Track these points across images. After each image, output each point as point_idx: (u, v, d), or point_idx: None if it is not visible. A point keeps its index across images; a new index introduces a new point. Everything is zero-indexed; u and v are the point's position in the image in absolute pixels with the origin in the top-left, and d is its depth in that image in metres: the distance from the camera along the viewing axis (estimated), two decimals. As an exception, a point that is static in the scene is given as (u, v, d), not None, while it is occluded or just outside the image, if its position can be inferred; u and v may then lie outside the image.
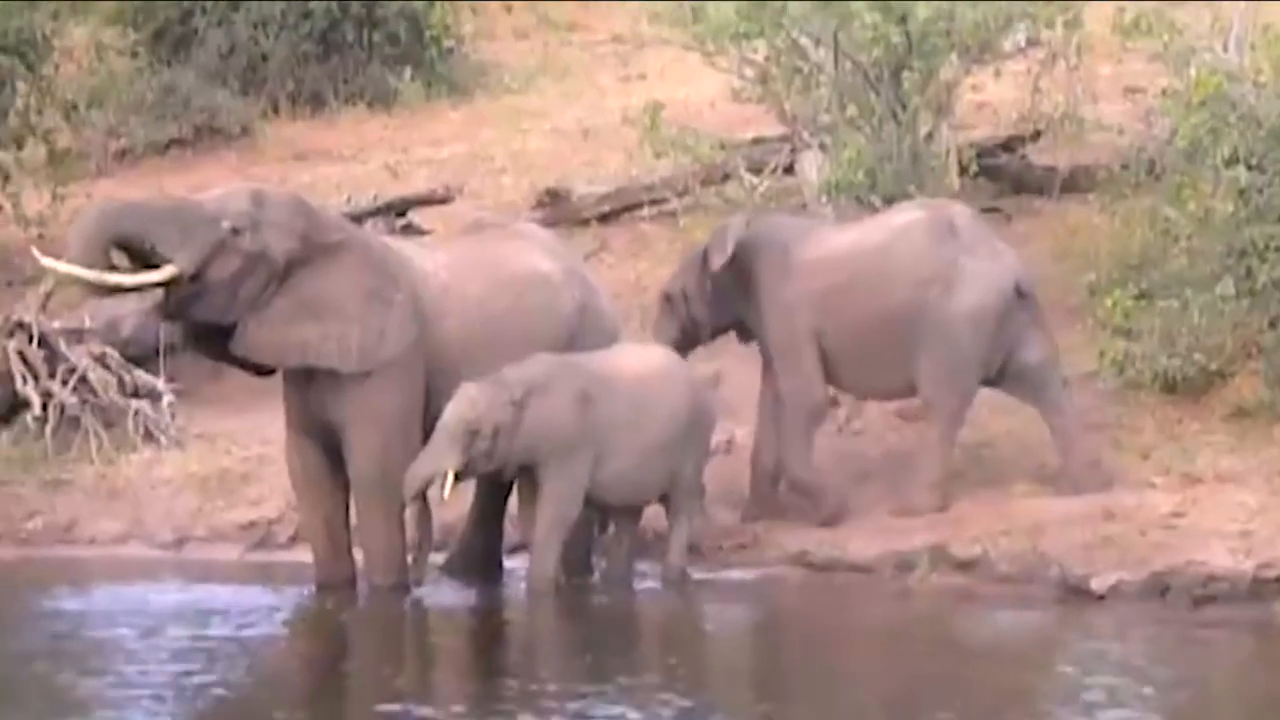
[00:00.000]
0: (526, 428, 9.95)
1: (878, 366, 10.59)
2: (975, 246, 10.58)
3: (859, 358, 10.59)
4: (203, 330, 10.17)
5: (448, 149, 14.89)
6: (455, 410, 9.92)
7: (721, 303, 10.85)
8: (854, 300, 10.53)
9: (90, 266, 9.82)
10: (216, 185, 14.26)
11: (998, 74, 12.27)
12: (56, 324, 11.84)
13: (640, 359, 10.32)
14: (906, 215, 10.79)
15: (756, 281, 10.75)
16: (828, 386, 10.80)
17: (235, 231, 9.97)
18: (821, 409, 10.79)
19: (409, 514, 10.07)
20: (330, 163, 14.77)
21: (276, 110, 15.52)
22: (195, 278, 9.92)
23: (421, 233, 12.80)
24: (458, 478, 9.93)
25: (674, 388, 10.27)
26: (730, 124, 13.65)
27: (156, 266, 9.86)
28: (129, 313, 11.99)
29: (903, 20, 11.83)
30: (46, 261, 10.05)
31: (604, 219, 13.44)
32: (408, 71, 15.73)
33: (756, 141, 13.24)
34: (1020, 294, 10.57)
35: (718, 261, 10.74)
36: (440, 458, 9.89)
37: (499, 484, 10.32)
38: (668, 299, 10.98)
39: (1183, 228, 11.19)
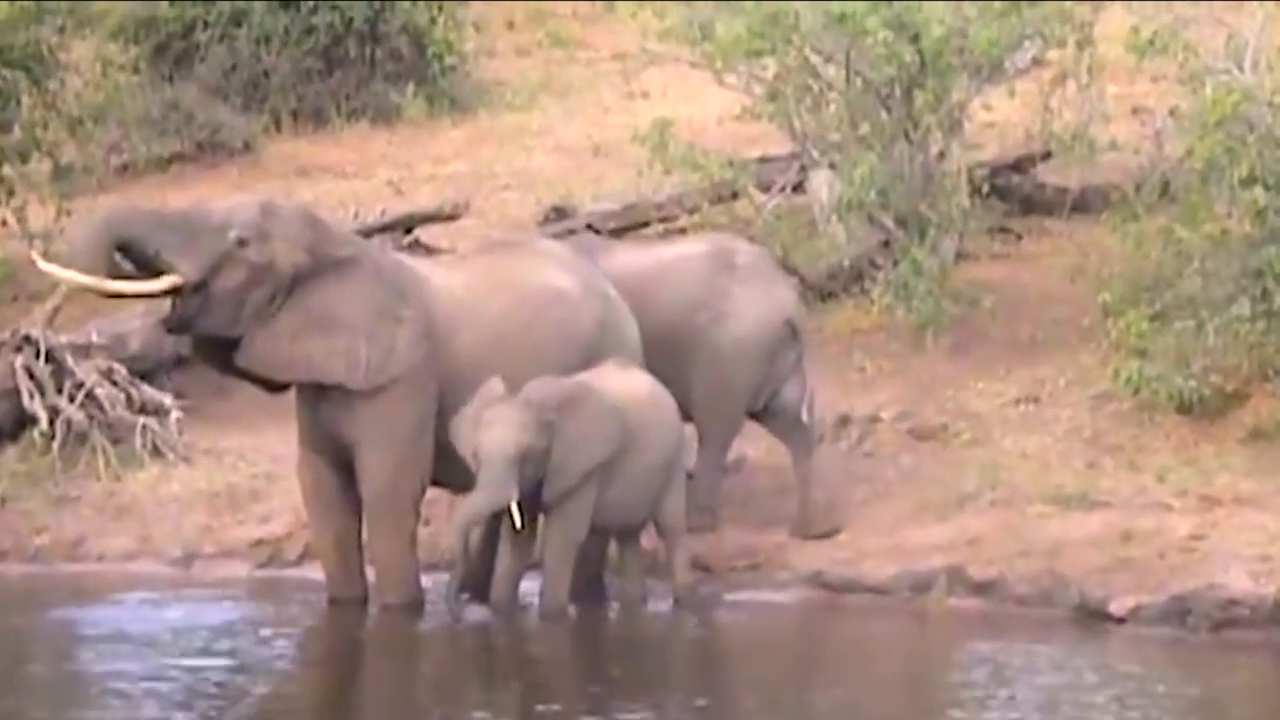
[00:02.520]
0: (561, 447, 9.84)
1: None
2: (751, 279, 10.75)
3: None
4: (209, 342, 10.09)
5: (451, 166, 14.85)
6: (508, 437, 9.76)
7: None
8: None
9: (93, 271, 9.75)
10: (218, 201, 14.44)
11: (1012, 93, 12.23)
12: (64, 339, 11.75)
13: (628, 382, 10.24)
14: (692, 244, 11.10)
15: None
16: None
17: (242, 242, 9.89)
18: None
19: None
20: (333, 179, 14.71)
21: (279, 126, 15.45)
22: (200, 288, 9.83)
23: (430, 250, 12.73)
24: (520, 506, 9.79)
25: (663, 410, 10.19)
26: (736, 142, 13.62)
27: (161, 275, 9.79)
28: (136, 328, 11.94)
29: (915, 38, 11.80)
30: (47, 267, 9.98)
31: (610, 236, 13.37)
32: (410, 88, 15.68)
33: (764, 160, 13.20)
34: (792, 331, 10.71)
35: None
36: (502, 489, 9.75)
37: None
38: None
39: (1197, 248, 11.16)
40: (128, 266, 9.92)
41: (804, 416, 10.73)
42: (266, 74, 15.51)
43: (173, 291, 9.85)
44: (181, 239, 9.82)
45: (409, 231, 13.02)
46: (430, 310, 10.12)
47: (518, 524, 9.79)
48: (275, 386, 10.28)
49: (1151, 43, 11.31)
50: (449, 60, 15.99)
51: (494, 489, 9.73)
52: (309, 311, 9.95)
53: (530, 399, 9.87)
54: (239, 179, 14.72)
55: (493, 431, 9.75)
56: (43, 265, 10.01)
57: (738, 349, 10.65)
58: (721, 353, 10.63)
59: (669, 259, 10.91)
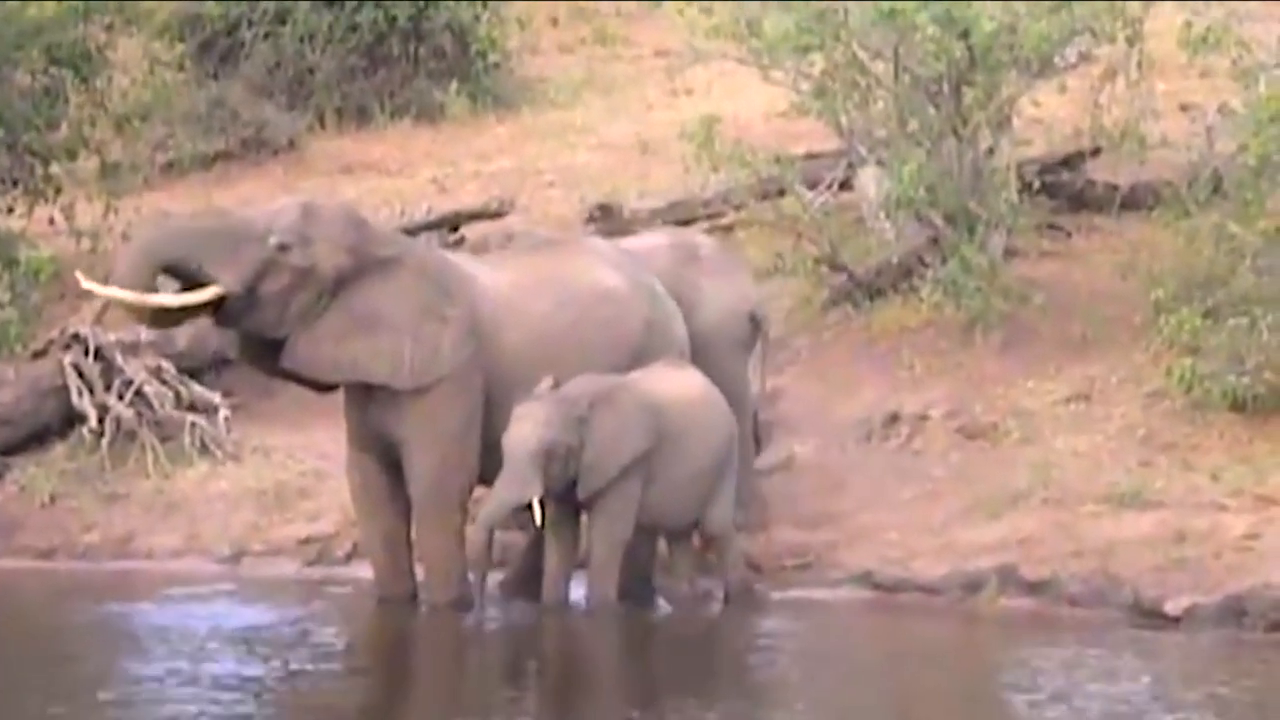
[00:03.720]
0: (594, 444, 9.81)
1: None
2: (716, 272, 10.73)
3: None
4: (255, 344, 10.08)
5: (495, 163, 14.82)
6: (531, 434, 9.75)
7: None
8: None
9: (136, 289, 9.72)
10: (263, 199, 14.44)
11: (1063, 89, 12.15)
12: (112, 337, 11.75)
13: (677, 381, 10.20)
14: (653, 237, 11.04)
15: None
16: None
17: (283, 247, 9.87)
18: None
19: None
20: (377, 176, 14.70)
21: (323, 124, 15.44)
22: (246, 293, 9.82)
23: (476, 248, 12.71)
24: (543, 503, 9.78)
25: (712, 411, 10.14)
26: (780, 139, 13.55)
27: (204, 285, 9.78)
28: (185, 326, 11.91)
29: (965, 34, 11.73)
30: (89, 285, 9.94)
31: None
32: (454, 85, 15.66)
33: (810, 156, 13.14)
34: (755, 325, 10.65)
35: None
36: (525, 486, 9.73)
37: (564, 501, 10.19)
38: None
39: (1250, 245, 11.07)
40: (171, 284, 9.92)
41: (759, 412, 10.68)
42: (311, 71, 15.51)
43: (218, 302, 9.84)
44: (223, 250, 9.79)
45: (455, 229, 13.01)
46: (476, 308, 10.09)
47: (538, 521, 9.75)
48: (322, 387, 10.26)
49: (1205, 39, 11.21)
50: (493, 58, 15.98)
51: (515, 485, 9.72)
52: (353, 312, 9.93)
53: (562, 396, 9.86)
54: (284, 177, 14.72)
55: (517, 427, 9.76)
56: (86, 284, 9.97)
57: (703, 341, 10.56)
58: (688, 345, 10.53)
59: (632, 252, 10.79)
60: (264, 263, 9.83)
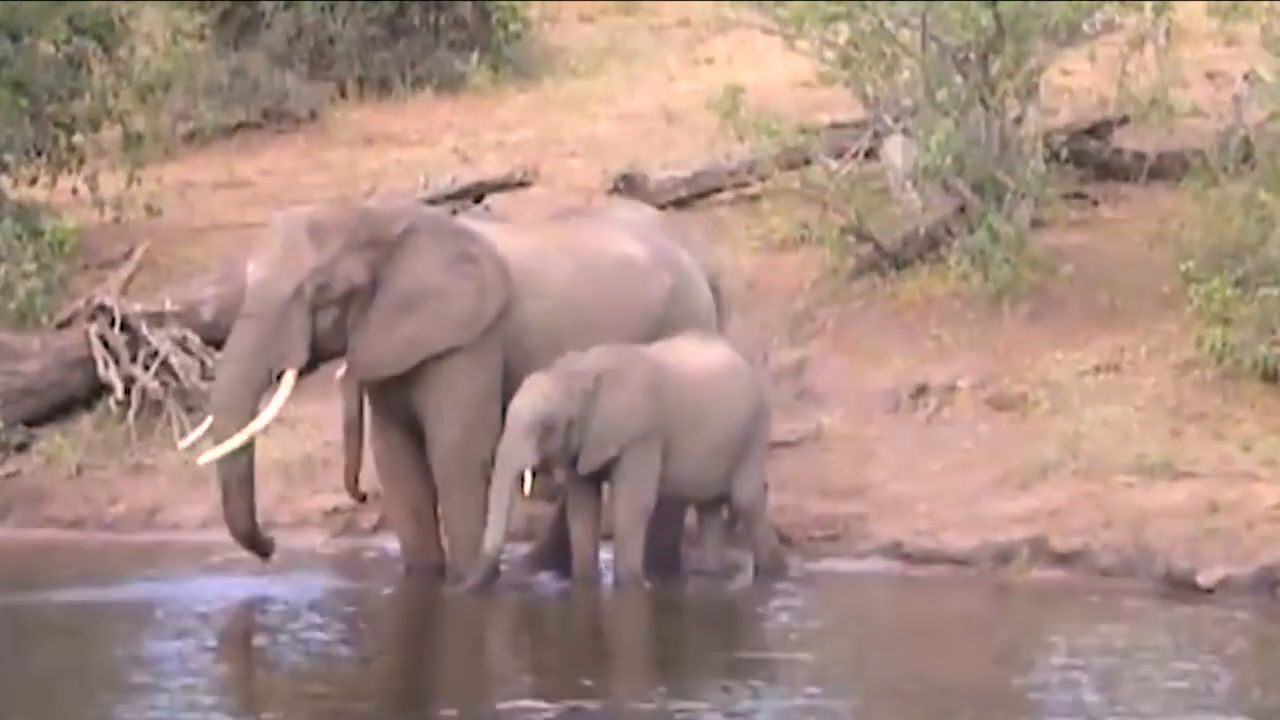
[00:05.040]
0: (600, 417, 9.79)
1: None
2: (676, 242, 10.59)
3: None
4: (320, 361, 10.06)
5: (517, 133, 14.76)
6: (528, 404, 9.75)
7: None
8: None
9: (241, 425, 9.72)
10: (284, 169, 14.42)
11: (1092, 57, 12.07)
12: (138, 307, 11.72)
13: (703, 352, 10.16)
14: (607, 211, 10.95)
15: None
16: None
17: (320, 289, 9.81)
18: None
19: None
20: (399, 147, 14.65)
21: (344, 94, 15.39)
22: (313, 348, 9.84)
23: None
24: (534, 473, 9.77)
25: (737, 383, 10.10)
26: (803, 108, 13.49)
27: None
28: (210, 296, 11.90)
29: (993, 2, 11.65)
30: (206, 458, 9.83)
31: (679, 204, 13.29)
32: (475, 55, 15.60)
33: (835, 126, 13.07)
34: (714, 293, 10.61)
35: None
36: (517, 456, 9.73)
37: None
38: None
39: (1280, 214, 11.03)
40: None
41: None
42: (331, 41, 15.45)
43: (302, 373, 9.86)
44: (272, 339, 9.74)
45: (479, 199, 12.96)
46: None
47: (527, 490, 9.73)
48: (400, 376, 10.02)
49: (1235, 6, 11.13)
50: (513, 27, 15.92)
51: (507, 455, 9.70)
52: (391, 299, 9.90)
53: (569, 368, 9.82)
54: (305, 146, 14.68)
55: (518, 397, 9.76)
56: (206, 460, 9.91)
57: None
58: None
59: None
60: (311, 318, 9.79)
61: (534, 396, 9.75)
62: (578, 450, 9.84)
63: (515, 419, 9.73)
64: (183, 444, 10.28)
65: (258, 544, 10.01)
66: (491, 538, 9.74)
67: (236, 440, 9.78)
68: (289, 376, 9.88)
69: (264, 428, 9.83)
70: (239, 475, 9.86)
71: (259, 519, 10.08)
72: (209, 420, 9.92)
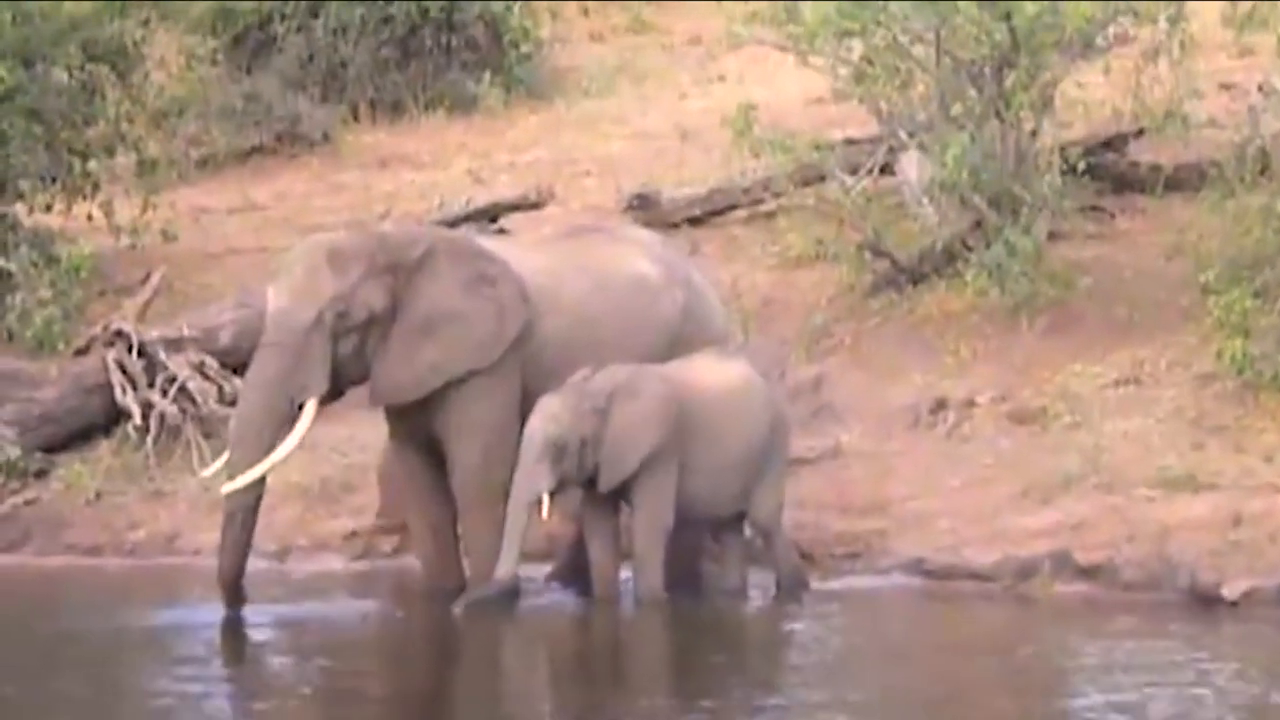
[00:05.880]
0: (613, 435, 9.76)
1: None
2: None
3: None
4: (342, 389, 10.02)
5: (530, 154, 14.76)
6: (539, 429, 9.72)
7: None
8: None
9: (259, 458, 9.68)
10: (298, 193, 14.42)
11: (1107, 69, 12.06)
12: (155, 333, 11.72)
13: (721, 369, 10.13)
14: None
15: None
16: None
17: (340, 316, 9.78)
18: None
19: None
20: (412, 169, 14.66)
21: (357, 117, 15.41)
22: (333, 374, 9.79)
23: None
24: (551, 495, 9.75)
25: (752, 401, 10.08)
26: (816, 125, 13.49)
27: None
28: (227, 321, 11.89)
29: (1007, 16, 11.64)
30: (229, 488, 9.77)
31: (694, 222, 13.28)
32: (487, 76, 15.61)
33: (850, 142, 13.06)
34: None
35: None
36: (534, 480, 9.70)
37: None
38: None
39: (1299, 226, 10.99)
40: None
41: None
42: (344, 64, 15.47)
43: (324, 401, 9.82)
44: (293, 367, 9.68)
45: (494, 220, 12.95)
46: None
47: (544, 514, 9.71)
48: (421, 403, 10.00)
49: (1250, 16, 11.12)
50: (525, 48, 15.94)
51: (523, 480, 9.68)
52: (411, 325, 9.87)
53: (582, 387, 9.80)
54: (319, 169, 14.68)
55: (530, 421, 9.74)
56: (226, 490, 9.84)
57: None
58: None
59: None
60: (332, 347, 9.75)
61: (544, 420, 9.73)
62: (594, 469, 9.82)
63: (528, 445, 9.72)
64: (204, 474, 10.27)
65: (237, 588, 9.84)
66: (504, 565, 9.72)
67: (258, 470, 9.73)
68: (310, 406, 9.83)
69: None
70: (246, 508, 9.80)
71: (276, 544, 10.10)
72: (229, 451, 9.88)
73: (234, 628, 9.82)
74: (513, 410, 9.99)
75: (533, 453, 9.69)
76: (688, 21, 16.63)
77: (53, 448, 11.61)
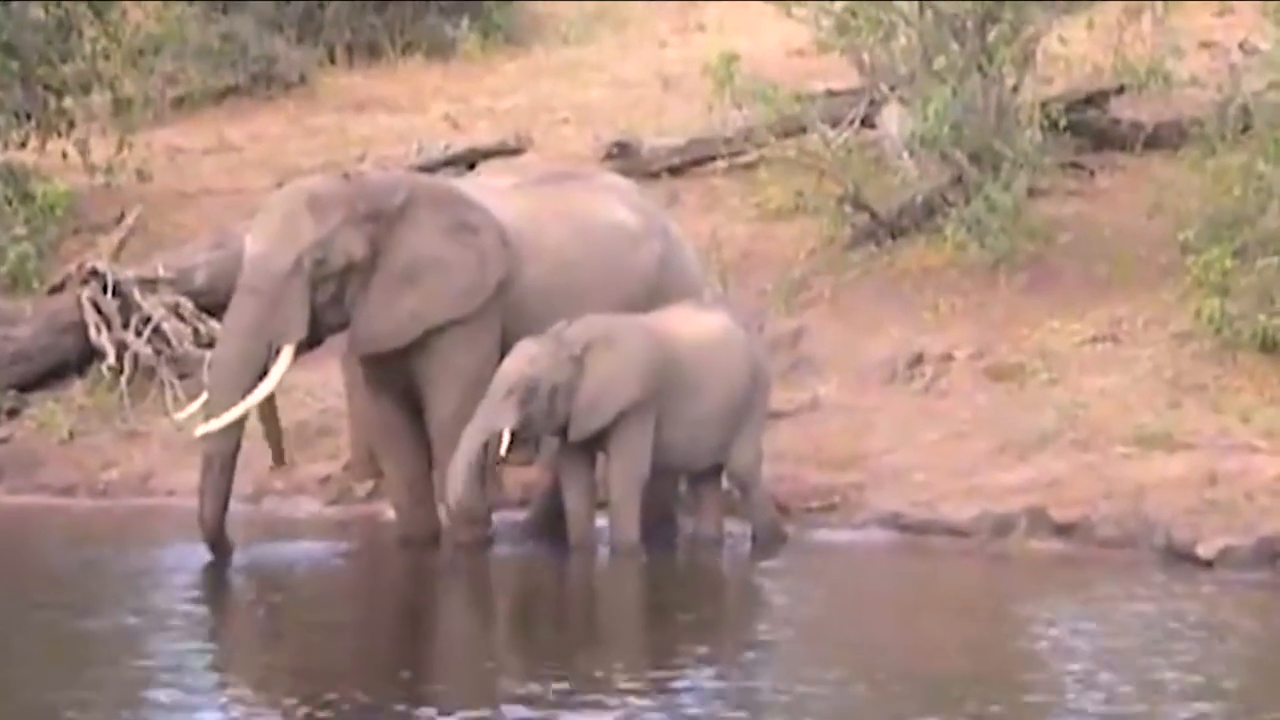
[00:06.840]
0: (588, 384, 9.75)
1: None
2: None
3: None
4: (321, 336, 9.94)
5: (507, 100, 14.69)
6: (513, 368, 9.70)
7: None
8: None
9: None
10: (274, 134, 14.33)
11: (1090, 25, 12.03)
12: (130, 273, 11.64)
13: (700, 320, 10.11)
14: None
15: None
16: None
17: (318, 263, 9.69)
18: None
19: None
20: (388, 113, 14.58)
21: (333, 59, 15.33)
22: (312, 320, 9.70)
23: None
24: (514, 437, 9.73)
25: (732, 353, 10.06)
26: (797, 77, 13.44)
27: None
28: (203, 262, 11.82)
29: (991, -31, 11.61)
30: (203, 430, 9.67)
31: (674, 172, 13.23)
32: (465, 21, 15.51)
33: (831, 94, 13.02)
34: None
35: None
36: (495, 416, 9.67)
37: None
38: None
39: (1279, 184, 10.98)
40: None
41: None
42: (321, 5, 15.37)
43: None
44: (271, 313, 9.59)
45: (471, 166, 12.89)
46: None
47: (502, 453, 9.67)
48: (403, 351, 9.92)
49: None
50: (503, -7, 15.86)
51: (485, 415, 9.63)
52: (392, 272, 9.79)
53: (559, 335, 9.77)
54: (295, 112, 14.60)
55: (505, 361, 9.71)
56: (200, 431, 9.73)
57: None
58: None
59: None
60: (310, 292, 9.66)
61: (520, 360, 9.71)
62: (566, 419, 9.79)
63: (499, 380, 9.69)
64: (179, 416, 10.19)
65: (221, 534, 9.77)
66: (454, 489, 9.61)
67: (233, 414, 9.66)
68: (287, 351, 9.76)
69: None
70: (224, 454, 9.73)
71: (253, 487, 10.03)
72: (206, 394, 9.83)
73: (207, 568, 9.78)
74: (493, 359, 9.93)
75: (502, 388, 9.66)
76: (670, -31, 16.55)
77: (26, 386, 11.55)
